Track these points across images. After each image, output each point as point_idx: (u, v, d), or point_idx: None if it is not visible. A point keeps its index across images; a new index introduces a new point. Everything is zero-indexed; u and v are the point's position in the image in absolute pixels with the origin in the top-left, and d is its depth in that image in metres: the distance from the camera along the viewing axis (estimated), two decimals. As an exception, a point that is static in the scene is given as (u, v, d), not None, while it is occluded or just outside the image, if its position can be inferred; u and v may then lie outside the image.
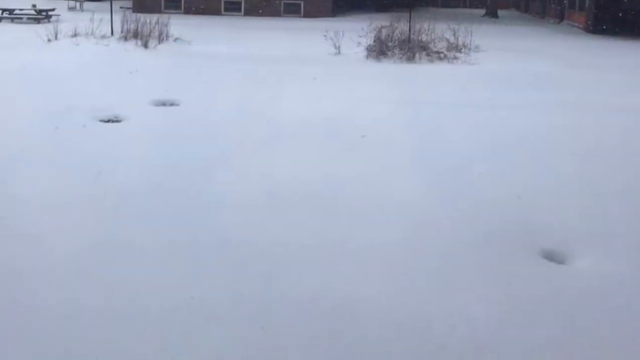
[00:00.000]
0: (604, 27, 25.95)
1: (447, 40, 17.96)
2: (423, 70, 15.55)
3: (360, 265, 5.51)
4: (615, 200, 7.29)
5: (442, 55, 17.18)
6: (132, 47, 16.41)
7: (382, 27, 17.76)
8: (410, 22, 17.86)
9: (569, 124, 10.55)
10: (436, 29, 18.03)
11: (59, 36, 17.11)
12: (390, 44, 17.25)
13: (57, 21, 18.18)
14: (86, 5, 29.90)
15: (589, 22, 27.94)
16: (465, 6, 47.13)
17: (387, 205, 6.81)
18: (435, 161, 8.36)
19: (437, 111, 11.01)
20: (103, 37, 17.26)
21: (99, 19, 17.65)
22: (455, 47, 17.82)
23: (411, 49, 16.95)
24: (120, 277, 5.16)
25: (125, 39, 17.16)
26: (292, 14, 32.92)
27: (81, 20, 17.80)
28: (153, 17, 17.79)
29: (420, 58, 16.75)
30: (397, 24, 17.77)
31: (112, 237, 5.85)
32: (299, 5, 33.31)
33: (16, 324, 4.49)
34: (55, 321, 4.54)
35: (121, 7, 26.16)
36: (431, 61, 16.74)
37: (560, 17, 34.07)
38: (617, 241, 6.22)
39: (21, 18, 24.35)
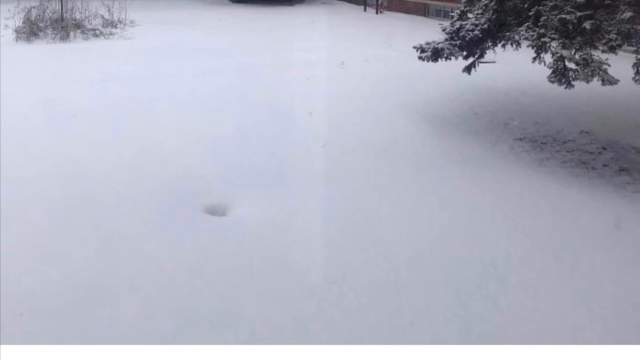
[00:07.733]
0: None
1: (102, 17, 17.06)
2: (79, 48, 14.62)
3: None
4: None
5: (97, 32, 16.30)
6: None
7: (32, 7, 16.19)
8: (62, 1, 16.55)
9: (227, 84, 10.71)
10: (90, 6, 16.96)
11: None
12: (41, 24, 15.88)
13: None
14: None
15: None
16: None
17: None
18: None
19: (89, 88, 10.47)
20: None
21: None
22: (110, 24, 17.03)
23: (64, 27, 15.78)
24: None
25: None
26: None
27: None
28: None
29: (75, 37, 15.69)
30: (47, 4, 16.32)
31: None
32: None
33: None
34: None
35: None
36: (87, 39, 15.79)
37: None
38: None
39: None
